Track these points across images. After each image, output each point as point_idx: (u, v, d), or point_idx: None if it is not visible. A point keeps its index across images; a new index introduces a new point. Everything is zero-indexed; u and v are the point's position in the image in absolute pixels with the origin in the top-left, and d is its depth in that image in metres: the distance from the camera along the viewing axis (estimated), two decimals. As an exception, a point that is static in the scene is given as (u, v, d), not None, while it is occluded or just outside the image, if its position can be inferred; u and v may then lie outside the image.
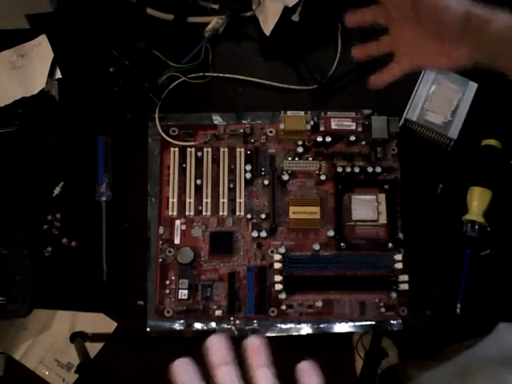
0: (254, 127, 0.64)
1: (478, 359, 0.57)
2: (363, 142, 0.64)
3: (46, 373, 1.15)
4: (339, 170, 0.62)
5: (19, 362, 1.16)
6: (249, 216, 0.62)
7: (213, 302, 0.60)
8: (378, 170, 0.62)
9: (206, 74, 0.67)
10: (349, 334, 1.10)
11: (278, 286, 0.59)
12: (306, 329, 0.60)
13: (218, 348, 0.32)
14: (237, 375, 0.31)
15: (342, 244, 0.61)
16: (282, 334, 0.60)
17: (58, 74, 0.68)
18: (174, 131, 0.64)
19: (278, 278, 0.60)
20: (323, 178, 0.62)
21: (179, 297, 0.60)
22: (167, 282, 0.60)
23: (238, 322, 0.60)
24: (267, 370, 0.31)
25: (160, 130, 0.64)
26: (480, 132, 0.63)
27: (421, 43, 0.49)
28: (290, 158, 0.63)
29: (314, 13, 0.67)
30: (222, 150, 0.64)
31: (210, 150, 0.63)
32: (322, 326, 0.60)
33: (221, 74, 0.67)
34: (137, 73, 0.64)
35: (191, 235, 0.62)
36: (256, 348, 0.32)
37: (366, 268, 0.60)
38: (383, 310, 0.60)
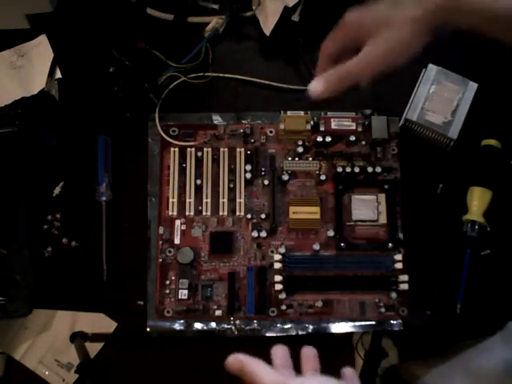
0: (253, 127, 0.64)
1: (489, 359, 0.57)
2: (363, 142, 0.64)
3: (46, 373, 1.15)
4: (339, 170, 0.62)
5: (19, 362, 1.15)
6: (249, 216, 0.62)
7: (213, 302, 0.60)
8: (378, 169, 0.62)
9: (206, 74, 0.67)
10: (349, 334, 1.10)
11: (278, 286, 0.59)
12: (305, 329, 0.60)
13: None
14: None
15: (342, 244, 0.61)
16: (281, 334, 0.60)
17: (58, 74, 0.68)
18: (174, 131, 0.64)
19: (277, 278, 0.60)
20: (323, 178, 0.62)
21: (179, 297, 0.60)
22: (167, 282, 0.60)
23: (238, 321, 0.60)
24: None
25: (160, 130, 0.64)
26: (480, 132, 0.63)
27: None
28: (289, 158, 0.63)
29: (314, 13, 0.67)
30: (221, 149, 0.64)
31: (209, 149, 0.63)
32: (322, 325, 0.60)
33: (221, 74, 0.67)
34: (137, 73, 0.64)
35: (191, 235, 0.62)
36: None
37: (366, 268, 0.60)
38: (383, 310, 0.60)
